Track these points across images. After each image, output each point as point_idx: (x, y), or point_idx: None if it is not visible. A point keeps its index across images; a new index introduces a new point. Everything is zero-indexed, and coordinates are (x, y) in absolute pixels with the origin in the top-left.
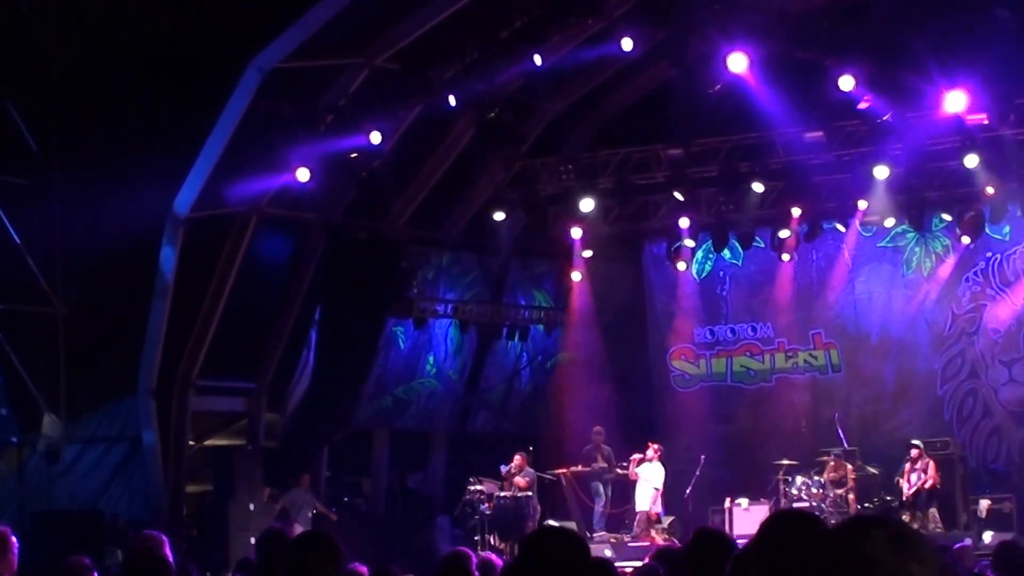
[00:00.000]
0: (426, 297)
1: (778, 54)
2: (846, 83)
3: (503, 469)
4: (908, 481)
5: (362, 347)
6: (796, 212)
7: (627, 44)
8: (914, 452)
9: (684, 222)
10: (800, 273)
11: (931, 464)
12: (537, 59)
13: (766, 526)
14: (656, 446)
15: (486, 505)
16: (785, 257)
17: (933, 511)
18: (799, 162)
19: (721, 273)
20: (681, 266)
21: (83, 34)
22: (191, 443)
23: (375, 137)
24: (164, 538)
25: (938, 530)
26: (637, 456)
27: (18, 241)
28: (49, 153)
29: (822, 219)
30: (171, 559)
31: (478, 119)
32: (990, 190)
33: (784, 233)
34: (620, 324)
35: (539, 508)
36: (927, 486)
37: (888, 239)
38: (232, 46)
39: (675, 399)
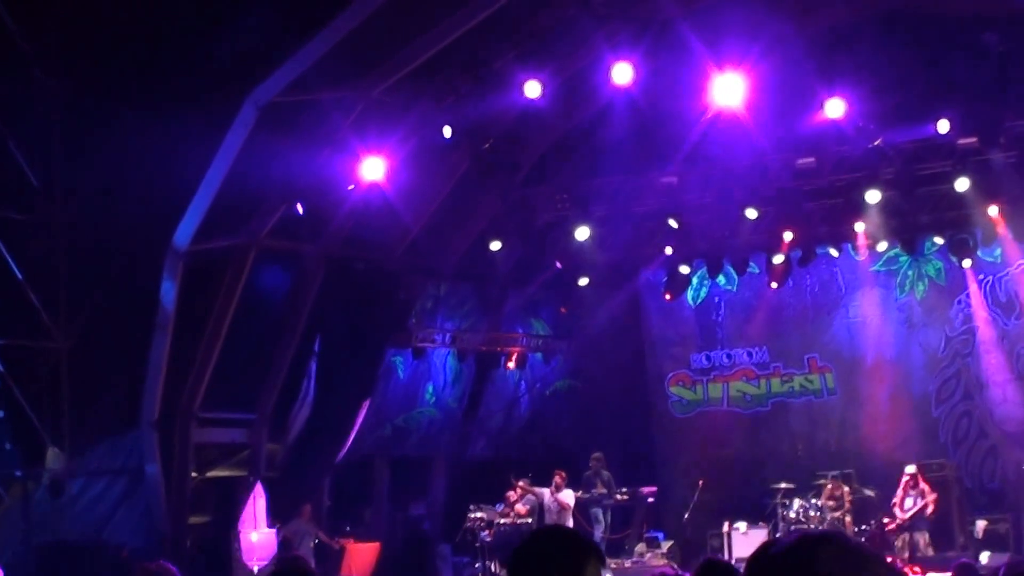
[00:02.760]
0: (424, 327)
1: (769, 80)
2: (835, 109)
3: (509, 495)
4: (902, 507)
5: (361, 377)
6: (788, 237)
7: (620, 74)
8: (909, 477)
9: (678, 249)
10: (794, 298)
11: (927, 488)
12: (530, 89)
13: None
14: (563, 472)
15: (486, 532)
16: (774, 285)
17: (926, 534)
18: (791, 188)
19: (716, 299)
20: (676, 293)
21: (82, 70)
22: (193, 475)
23: (371, 169)
24: (173, 568)
25: (929, 553)
26: (552, 487)
27: (20, 276)
28: (50, 188)
29: (815, 244)
30: None
31: (473, 150)
32: (993, 211)
33: (778, 259)
34: (617, 351)
35: None
36: (928, 512)
37: (881, 263)
38: (229, 81)
39: (673, 424)
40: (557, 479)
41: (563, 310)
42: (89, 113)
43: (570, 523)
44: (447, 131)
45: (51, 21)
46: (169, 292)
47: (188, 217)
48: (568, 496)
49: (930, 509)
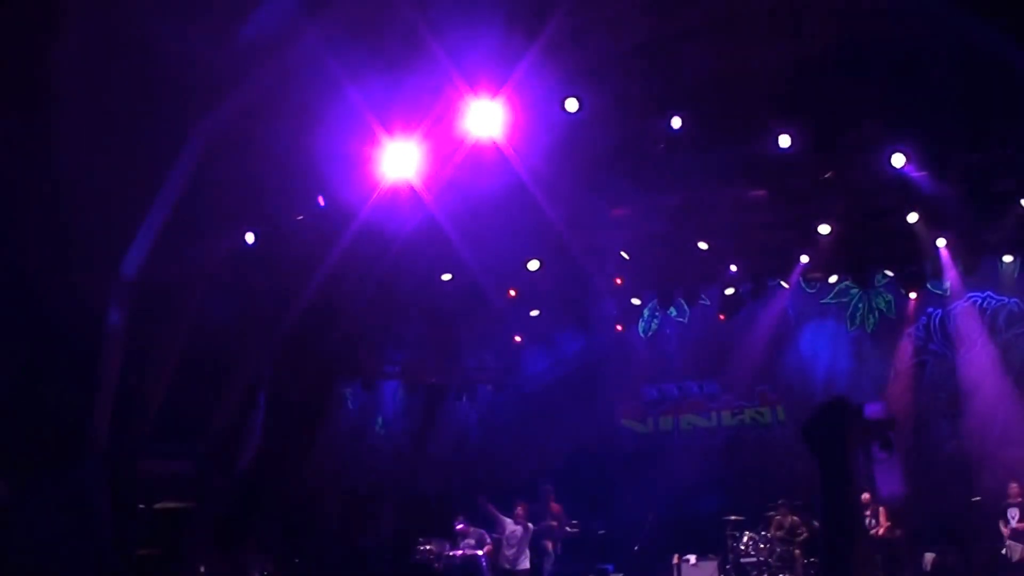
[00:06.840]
0: (374, 358)
1: (718, 112)
2: (784, 141)
3: (457, 527)
4: None
5: (311, 409)
6: (733, 268)
7: (571, 105)
8: (863, 500)
9: (631, 280)
10: (745, 330)
11: (881, 511)
12: None
13: None
14: (525, 504)
15: (436, 564)
16: (722, 316)
17: (879, 559)
18: (743, 220)
19: (668, 331)
20: (627, 325)
21: (27, 97)
22: (141, 506)
23: (322, 199)
24: None
25: None
26: (515, 518)
27: None
28: None
29: (766, 276)
30: None
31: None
32: (941, 243)
33: (729, 291)
34: (569, 383)
35: (487, 566)
36: (880, 533)
37: (832, 295)
38: (177, 111)
39: (624, 456)
40: (519, 510)
41: (517, 339)
42: (32, 141)
43: (527, 551)
44: None
45: None
46: (117, 323)
47: (136, 247)
48: (530, 525)
49: (881, 531)
